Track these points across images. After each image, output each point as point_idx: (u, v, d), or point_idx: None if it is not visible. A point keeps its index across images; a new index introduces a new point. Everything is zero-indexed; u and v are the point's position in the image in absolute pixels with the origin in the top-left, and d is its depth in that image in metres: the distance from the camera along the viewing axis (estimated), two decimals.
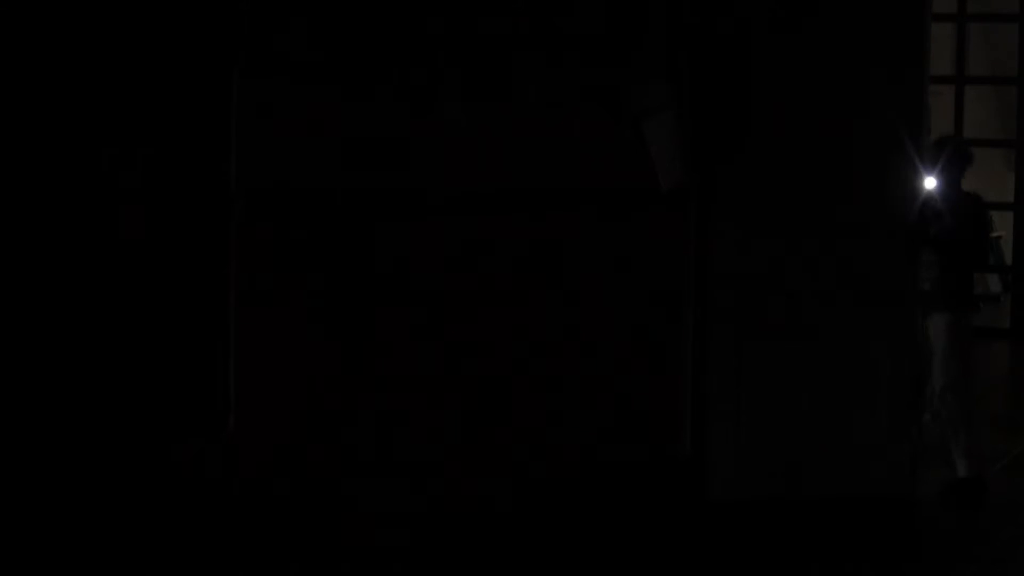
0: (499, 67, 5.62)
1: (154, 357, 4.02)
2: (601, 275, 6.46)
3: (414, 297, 5.20)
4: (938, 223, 7.58)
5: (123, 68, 3.88)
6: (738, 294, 7.17)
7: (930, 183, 7.62)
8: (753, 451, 7.17)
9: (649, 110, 6.72)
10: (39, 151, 3.67)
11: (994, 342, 14.23)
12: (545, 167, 6.00)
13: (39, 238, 3.68)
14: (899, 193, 7.32)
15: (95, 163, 3.82)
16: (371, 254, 4.98)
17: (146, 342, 3.99)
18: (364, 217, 4.95)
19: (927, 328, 7.59)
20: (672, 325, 7.12)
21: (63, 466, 3.80)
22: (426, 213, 5.28)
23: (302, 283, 4.66)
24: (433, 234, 5.31)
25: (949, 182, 7.63)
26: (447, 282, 5.38)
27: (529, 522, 5.94)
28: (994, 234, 16.92)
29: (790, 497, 7.36)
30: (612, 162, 6.55)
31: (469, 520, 5.57)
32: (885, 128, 7.24)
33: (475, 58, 5.46)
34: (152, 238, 3.99)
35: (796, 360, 7.20)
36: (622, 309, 6.64)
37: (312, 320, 4.71)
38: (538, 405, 5.99)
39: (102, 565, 3.92)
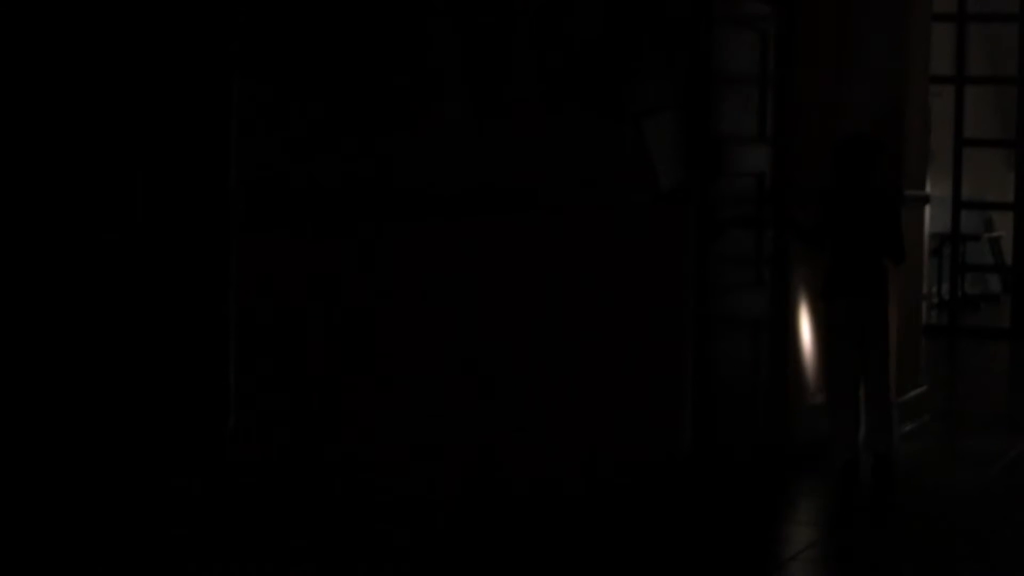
0: (499, 67, 5.63)
1: (154, 357, 4.02)
2: (601, 274, 6.47)
3: (414, 296, 5.20)
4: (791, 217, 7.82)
5: (122, 67, 3.88)
6: None
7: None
8: None
9: (649, 110, 6.73)
10: (36, 150, 3.67)
11: (994, 342, 14.26)
12: (545, 167, 6.00)
13: (37, 238, 3.68)
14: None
15: (93, 162, 3.82)
16: (372, 254, 4.99)
17: (146, 342, 4.00)
18: (365, 217, 4.95)
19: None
20: (672, 325, 7.12)
21: (61, 467, 3.80)
22: (426, 213, 5.28)
23: (303, 282, 4.66)
24: (432, 234, 5.31)
25: (849, 178, 7.74)
26: (447, 282, 5.39)
27: (528, 522, 5.95)
28: (994, 234, 16.96)
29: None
30: (612, 162, 6.55)
31: (469, 520, 5.58)
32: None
33: (475, 58, 5.46)
34: (151, 238, 3.99)
35: None
36: (622, 308, 6.65)
37: (314, 319, 4.71)
38: (537, 405, 6.00)
39: (101, 565, 3.92)
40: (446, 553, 5.46)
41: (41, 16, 3.65)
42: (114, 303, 3.90)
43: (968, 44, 14.49)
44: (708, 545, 6.66)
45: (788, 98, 8.20)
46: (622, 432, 6.67)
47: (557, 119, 6.06)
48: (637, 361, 6.80)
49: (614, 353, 6.59)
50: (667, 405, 7.11)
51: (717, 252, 7.45)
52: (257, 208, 4.40)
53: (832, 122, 8.62)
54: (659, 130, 6.78)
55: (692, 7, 7.12)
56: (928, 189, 9.88)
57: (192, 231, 4.14)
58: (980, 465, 8.33)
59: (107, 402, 3.90)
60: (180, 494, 4.18)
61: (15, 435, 3.65)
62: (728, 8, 7.46)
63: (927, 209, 9.88)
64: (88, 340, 3.83)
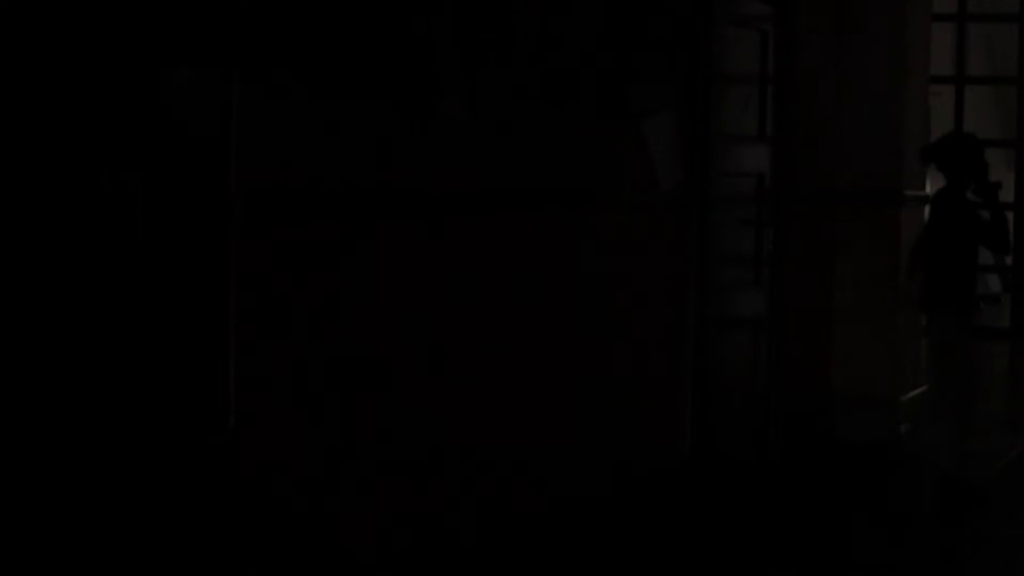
0: (498, 66, 5.62)
1: (154, 357, 4.02)
2: (600, 274, 6.46)
3: (414, 297, 5.20)
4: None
5: (122, 66, 3.88)
6: None
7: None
8: None
9: (649, 110, 6.72)
10: (37, 150, 3.67)
11: (994, 342, 14.23)
12: (545, 167, 6.00)
13: (37, 238, 3.68)
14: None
15: (94, 161, 3.82)
16: (371, 254, 4.99)
17: (146, 342, 3.99)
18: (364, 217, 4.95)
19: None
20: (672, 325, 7.12)
21: (58, 467, 3.80)
22: (426, 213, 5.28)
23: (302, 282, 4.66)
24: (432, 234, 5.31)
25: (956, 181, 7.63)
26: (446, 282, 5.38)
27: (528, 523, 5.95)
28: None
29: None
30: (611, 162, 6.55)
31: (470, 523, 5.58)
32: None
33: (475, 57, 5.46)
34: (152, 238, 3.99)
35: None
36: (621, 308, 6.65)
37: (312, 320, 4.71)
38: (536, 407, 6.00)
39: (101, 566, 3.92)
40: (444, 559, 5.45)
41: (40, 14, 3.65)
42: (113, 303, 3.90)
43: (968, 44, 14.47)
44: (708, 547, 6.66)
45: (788, 98, 8.20)
46: (621, 433, 6.66)
47: (556, 119, 6.05)
48: (636, 361, 6.79)
49: (613, 353, 6.58)
50: (666, 405, 7.11)
51: (717, 252, 7.45)
52: (257, 207, 4.40)
53: (832, 122, 8.61)
54: (659, 130, 6.78)
55: (692, 7, 7.13)
56: (928, 189, 9.87)
57: (192, 230, 4.14)
58: (980, 465, 8.32)
59: (106, 402, 3.90)
60: (180, 494, 4.18)
61: (12, 436, 3.65)
62: (728, 8, 7.46)
63: (927, 209, 9.86)
64: (87, 340, 3.83)
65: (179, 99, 4.06)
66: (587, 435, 6.36)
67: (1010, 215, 14.88)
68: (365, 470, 4.99)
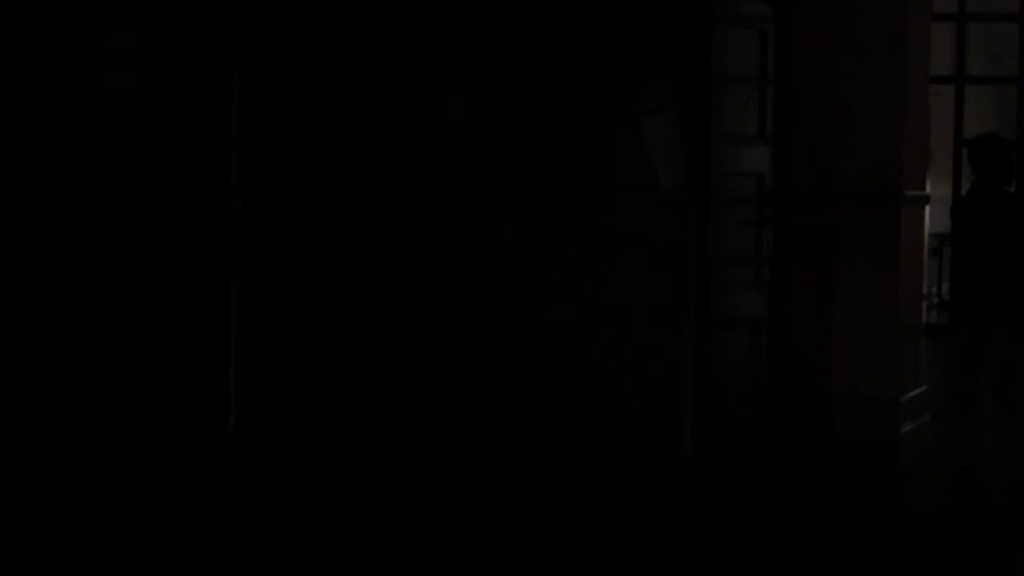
0: (499, 66, 5.62)
1: (154, 357, 4.02)
2: (600, 274, 6.46)
3: (413, 297, 5.20)
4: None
5: (121, 65, 3.88)
6: None
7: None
8: None
9: (649, 110, 6.72)
10: (36, 148, 3.67)
11: None
12: (544, 166, 6.00)
13: (36, 237, 3.68)
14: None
15: (93, 160, 3.82)
16: (371, 254, 4.98)
17: (145, 342, 3.99)
18: (365, 217, 4.95)
19: None
20: (672, 325, 7.12)
21: (58, 467, 3.80)
22: (426, 213, 5.28)
23: (301, 281, 4.66)
24: (432, 234, 5.31)
25: (984, 183, 7.57)
26: (445, 282, 5.38)
27: (526, 524, 5.94)
28: None
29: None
30: (612, 162, 6.55)
31: (470, 522, 5.57)
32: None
33: (475, 56, 5.46)
34: (152, 237, 3.99)
35: None
36: (621, 308, 6.64)
37: (312, 319, 4.71)
38: (535, 405, 5.99)
39: (100, 566, 3.92)
40: (443, 557, 5.45)
41: (42, 16, 3.65)
42: (114, 302, 3.90)
43: (968, 44, 14.48)
44: (707, 547, 6.65)
45: (788, 98, 8.20)
46: (620, 433, 6.66)
47: (557, 119, 6.05)
48: (636, 361, 6.79)
49: (613, 353, 6.58)
50: (666, 405, 7.11)
51: (717, 252, 7.45)
52: (257, 206, 4.40)
53: (832, 122, 8.61)
54: (659, 130, 6.78)
55: (692, 7, 7.13)
56: (928, 189, 9.88)
57: (191, 229, 4.14)
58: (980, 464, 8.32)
59: (106, 402, 3.89)
60: (180, 494, 4.18)
61: (11, 436, 3.65)
62: (728, 8, 7.46)
63: (927, 209, 9.88)
64: (87, 339, 3.82)
65: (178, 96, 4.06)
66: (587, 434, 6.36)
67: None
68: (364, 469, 4.98)
